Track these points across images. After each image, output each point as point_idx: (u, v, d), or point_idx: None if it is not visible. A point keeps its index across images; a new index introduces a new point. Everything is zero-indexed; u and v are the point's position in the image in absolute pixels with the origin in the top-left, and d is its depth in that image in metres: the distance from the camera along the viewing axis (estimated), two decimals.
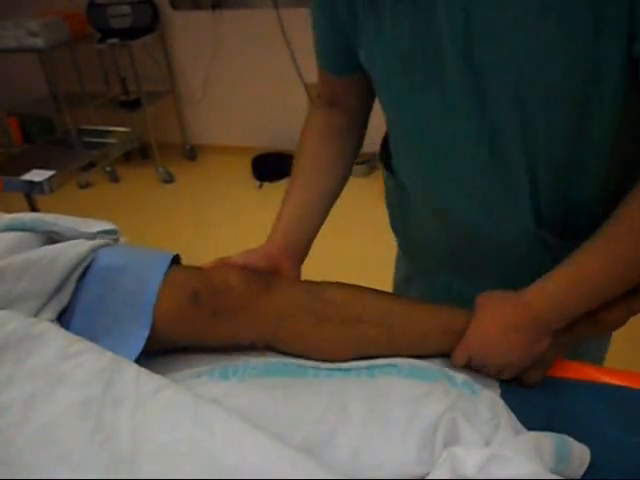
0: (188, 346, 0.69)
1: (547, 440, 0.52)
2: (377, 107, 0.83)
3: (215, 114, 3.44)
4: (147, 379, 0.55)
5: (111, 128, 2.31)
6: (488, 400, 0.59)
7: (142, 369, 0.56)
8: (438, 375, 0.63)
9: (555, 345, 0.64)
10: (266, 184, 3.16)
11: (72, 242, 0.69)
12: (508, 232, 0.70)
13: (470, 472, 0.47)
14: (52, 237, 0.71)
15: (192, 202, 3.08)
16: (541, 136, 0.61)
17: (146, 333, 0.63)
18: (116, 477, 0.47)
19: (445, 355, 0.67)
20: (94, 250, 0.69)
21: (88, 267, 0.67)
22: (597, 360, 0.88)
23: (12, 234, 0.68)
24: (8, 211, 0.75)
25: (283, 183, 3.11)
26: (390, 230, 0.99)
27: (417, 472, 0.52)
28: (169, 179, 3.30)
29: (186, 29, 3.19)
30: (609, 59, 0.53)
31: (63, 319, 0.66)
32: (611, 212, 0.60)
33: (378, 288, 0.70)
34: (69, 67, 3.12)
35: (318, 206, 0.79)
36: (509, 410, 0.58)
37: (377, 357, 0.66)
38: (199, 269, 0.69)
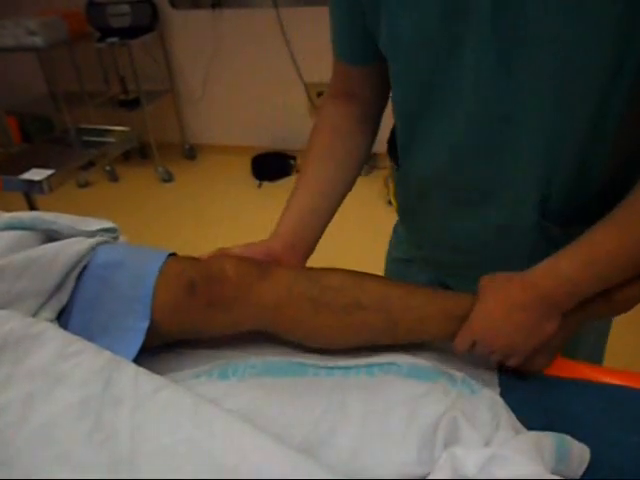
0: (188, 343, 0.69)
1: (547, 440, 0.52)
2: None
3: (214, 113, 3.45)
4: (146, 379, 0.55)
5: (110, 127, 2.31)
6: (488, 400, 0.59)
7: (141, 369, 0.56)
8: (438, 374, 0.63)
9: (564, 327, 0.62)
10: (265, 183, 3.16)
11: (72, 240, 0.69)
12: (511, 219, 0.71)
13: (471, 472, 0.47)
14: (51, 235, 0.71)
15: (191, 201, 3.08)
16: (562, 118, 0.61)
17: (145, 325, 0.62)
18: (116, 477, 0.47)
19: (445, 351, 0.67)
20: (93, 248, 0.69)
21: (85, 266, 0.67)
22: (598, 349, 0.88)
23: (11, 233, 0.68)
24: (7, 210, 0.75)
25: (283, 183, 3.11)
26: (390, 228, 0.99)
27: (417, 472, 0.52)
28: (168, 178, 3.30)
29: (185, 28, 3.19)
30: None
31: (62, 318, 0.65)
32: (617, 202, 0.59)
33: None
34: (68, 66, 3.12)
35: (325, 205, 0.77)
36: (509, 410, 0.58)
37: (378, 350, 0.66)
38: (195, 259, 0.69)
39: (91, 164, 2.08)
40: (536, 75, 0.58)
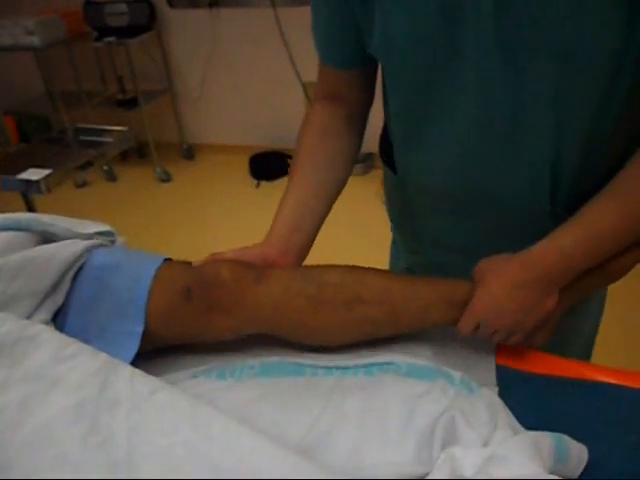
0: (184, 345, 0.69)
1: (546, 440, 0.52)
2: (374, 107, 0.83)
3: (212, 113, 3.44)
4: (142, 381, 0.54)
5: (108, 127, 2.31)
6: (486, 399, 0.59)
7: (136, 370, 0.56)
8: (436, 374, 0.62)
9: (562, 301, 0.64)
10: (263, 183, 3.16)
11: (68, 241, 0.68)
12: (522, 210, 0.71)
13: (469, 472, 0.47)
14: (48, 237, 0.71)
15: (189, 201, 3.08)
16: (565, 114, 0.61)
17: (140, 329, 0.62)
18: (113, 477, 0.47)
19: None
20: (89, 250, 0.69)
21: (81, 267, 0.67)
22: (586, 350, 0.90)
23: (7, 234, 0.67)
24: (5, 210, 0.74)
25: (281, 182, 3.11)
26: (387, 229, 0.99)
27: (416, 472, 0.52)
28: (166, 178, 3.29)
29: (183, 28, 3.19)
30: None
31: (57, 320, 0.65)
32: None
33: None
34: (66, 65, 3.11)
35: (317, 206, 0.76)
36: (507, 409, 0.58)
37: (376, 350, 0.66)
38: (190, 264, 0.68)
39: (89, 164, 2.08)
40: (538, 74, 0.58)
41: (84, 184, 3.28)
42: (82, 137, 2.24)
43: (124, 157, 3.50)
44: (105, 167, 3.28)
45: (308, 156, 0.78)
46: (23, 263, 0.63)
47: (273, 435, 0.51)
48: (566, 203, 0.69)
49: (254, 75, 3.21)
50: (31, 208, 1.97)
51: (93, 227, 0.76)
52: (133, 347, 0.62)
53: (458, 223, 0.77)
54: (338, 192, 0.80)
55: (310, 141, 0.79)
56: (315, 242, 0.77)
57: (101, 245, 0.72)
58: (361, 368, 0.64)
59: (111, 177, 3.33)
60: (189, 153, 3.55)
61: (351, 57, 0.72)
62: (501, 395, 0.62)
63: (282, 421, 0.56)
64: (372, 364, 0.64)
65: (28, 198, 1.97)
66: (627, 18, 0.53)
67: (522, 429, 0.56)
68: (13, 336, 0.55)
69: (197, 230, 2.75)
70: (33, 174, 1.83)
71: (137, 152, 3.52)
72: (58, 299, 0.65)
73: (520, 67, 0.59)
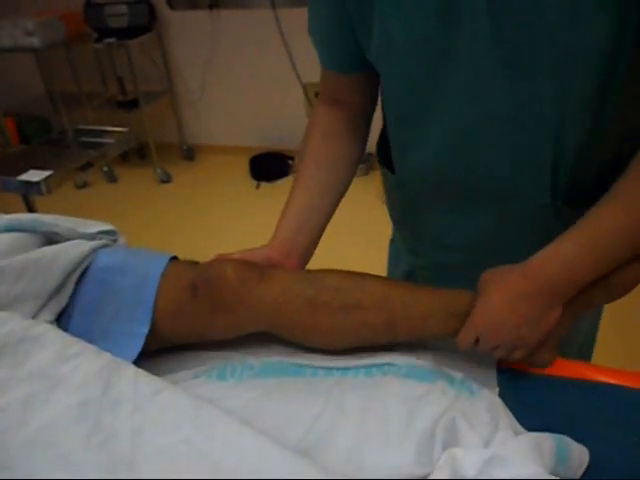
0: (186, 344, 0.69)
1: (547, 441, 0.52)
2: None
3: (213, 114, 3.44)
4: (145, 381, 0.55)
5: (108, 128, 2.31)
6: (487, 400, 0.59)
7: (140, 370, 0.56)
8: (436, 375, 0.63)
9: (566, 316, 0.62)
10: (264, 184, 3.16)
11: (73, 242, 0.69)
12: (525, 208, 0.71)
13: (470, 473, 0.47)
14: (51, 238, 0.71)
15: (190, 202, 3.08)
16: (563, 110, 0.61)
17: (145, 330, 0.63)
18: (115, 477, 0.47)
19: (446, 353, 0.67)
20: (94, 250, 0.69)
21: (86, 268, 0.67)
22: (585, 348, 0.89)
23: (11, 235, 0.68)
24: (5, 212, 0.75)
25: (281, 183, 3.11)
26: (388, 229, 1.00)
27: (416, 473, 0.52)
28: (167, 179, 3.29)
29: (183, 29, 3.19)
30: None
31: (61, 321, 0.65)
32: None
33: None
34: (66, 67, 3.11)
35: (322, 210, 0.77)
36: (508, 411, 0.58)
37: (376, 351, 0.66)
38: (196, 263, 0.69)
39: (89, 165, 2.08)
40: (537, 72, 0.59)
41: (84, 185, 3.28)
42: (82, 138, 2.24)
43: (124, 158, 3.50)
44: (105, 168, 3.28)
45: (312, 158, 0.79)
46: (27, 264, 0.63)
47: (273, 435, 0.51)
48: (566, 196, 0.69)
49: (254, 76, 3.21)
50: (31, 209, 1.97)
51: (96, 227, 0.76)
52: (136, 347, 0.62)
53: (458, 221, 0.77)
54: (342, 193, 0.80)
55: (314, 144, 0.80)
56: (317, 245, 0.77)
57: (105, 245, 0.72)
58: (361, 369, 0.64)
59: (111, 178, 3.33)
60: (189, 154, 3.55)
61: (351, 62, 0.72)
62: (502, 396, 0.62)
63: (282, 421, 0.56)
64: (372, 365, 0.65)
65: (28, 199, 1.97)
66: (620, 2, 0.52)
67: (523, 430, 0.56)
68: (17, 335, 0.55)
69: (197, 231, 2.75)
70: (33, 175, 1.83)
71: (137, 153, 3.52)
72: (62, 300, 0.65)
73: (518, 66, 0.59)
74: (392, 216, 0.93)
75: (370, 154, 3.07)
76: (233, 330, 0.67)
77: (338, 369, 0.65)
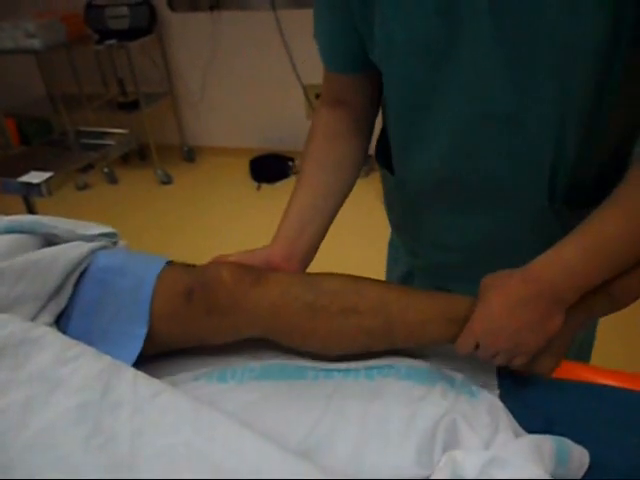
0: (185, 348, 0.69)
1: (547, 443, 0.52)
2: None
3: (213, 115, 3.45)
4: (145, 383, 0.55)
5: (109, 130, 2.31)
6: (487, 402, 0.59)
7: (139, 373, 0.56)
8: (437, 377, 0.62)
9: (569, 324, 0.61)
10: (264, 185, 3.16)
11: (72, 244, 0.69)
12: (523, 210, 0.71)
13: (470, 475, 0.47)
14: (51, 240, 0.71)
15: (190, 203, 3.08)
16: (563, 108, 0.61)
17: (144, 331, 0.62)
18: (115, 477, 0.47)
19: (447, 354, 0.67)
20: (93, 252, 0.69)
21: (85, 270, 0.67)
22: (584, 349, 0.89)
23: (11, 236, 0.68)
24: (6, 213, 0.75)
25: (281, 184, 3.11)
26: (387, 230, 1.00)
27: (416, 475, 0.52)
28: (167, 181, 3.29)
29: (184, 30, 3.19)
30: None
31: (61, 323, 0.65)
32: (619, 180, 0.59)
33: None
34: (67, 68, 3.12)
35: (325, 211, 0.76)
36: (508, 412, 0.58)
37: (376, 353, 0.66)
38: (192, 267, 0.68)
39: (90, 167, 2.08)
40: (538, 71, 0.59)
41: (85, 187, 3.28)
42: (83, 140, 2.24)
43: (125, 160, 3.50)
44: (106, 169, 3.28)
45: (315, 159, 0.79)
46: (26, 266, 0.63)
47: (274, 437, 0.51)
48: (564, 197, 0.69)
49: (255, 77, 3.21)
50: (32, 211, 1.98)
51: (96, 229, 0.76)
52: (136, 349, 0.62)
53: (457, 222, 0.77)
54: (346, 194, 0.80)
55: (317, 145, 0.79)
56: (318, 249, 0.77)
57: (104, 247, 0.72)
58: (362, 371, 0.64)
59: (112, 179, 3.34)
60: (190, 155, 3.55)
61: (354, 62, 0.72)
62: (502, 398, 0.62)
63: (283, 423, 0.56)
64: (373, 367, 0.64)
65: (29, 201, 1.97)
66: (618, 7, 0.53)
67: (523, 432, 0.56)
68: (17, 337, 0.55)
69: (198, 232, 2.75)
70: (34, 177, 1.83)
71: (138, 154, 3.52)
72: (61, 302, 0.65)
73: (518, 66, 0.59)
74: (391, 220, 0.93)
75: (370, 156, 3.07)
76: (230, 334, 0.66)
77: (339, 371, 0.64)
